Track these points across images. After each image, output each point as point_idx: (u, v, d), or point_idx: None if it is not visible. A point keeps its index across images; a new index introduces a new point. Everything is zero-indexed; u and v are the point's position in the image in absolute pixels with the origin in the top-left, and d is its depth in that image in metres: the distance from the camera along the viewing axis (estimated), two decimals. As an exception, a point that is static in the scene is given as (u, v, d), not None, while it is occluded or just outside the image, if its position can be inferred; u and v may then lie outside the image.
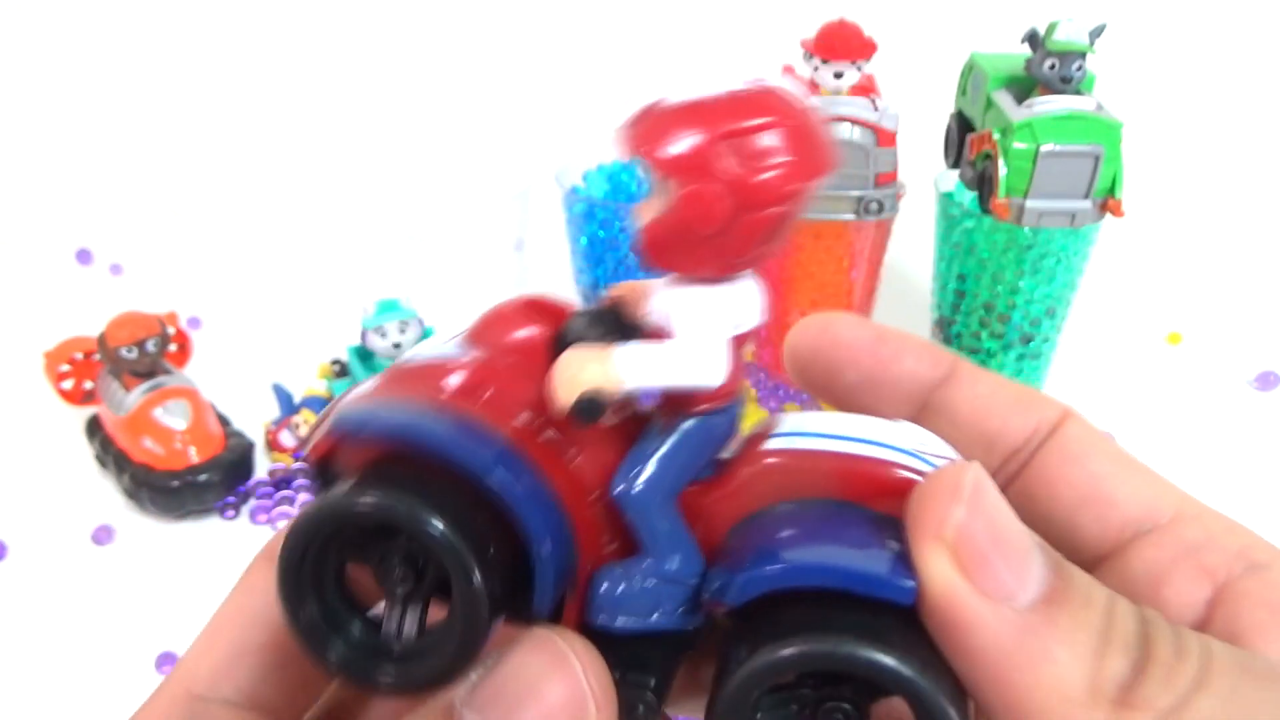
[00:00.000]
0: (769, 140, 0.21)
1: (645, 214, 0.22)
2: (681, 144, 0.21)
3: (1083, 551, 0.26)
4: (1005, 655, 0.19)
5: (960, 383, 0.28)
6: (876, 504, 0.23)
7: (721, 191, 0.21)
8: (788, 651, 0.20)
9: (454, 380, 0.24)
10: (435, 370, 0.24)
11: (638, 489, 0.23)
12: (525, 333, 0.25)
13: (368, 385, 0.24)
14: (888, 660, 0.20)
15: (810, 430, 0.24)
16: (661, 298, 0.23)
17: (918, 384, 0.28)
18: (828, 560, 0.21)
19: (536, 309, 0.26)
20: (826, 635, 0.20)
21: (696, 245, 0.22)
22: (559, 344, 0.24)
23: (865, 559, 0.21)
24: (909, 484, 0.22)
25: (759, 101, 0.21)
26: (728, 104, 0.21)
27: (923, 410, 0.29)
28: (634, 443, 0.23)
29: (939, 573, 0.20)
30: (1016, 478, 0.28)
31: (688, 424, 0.23)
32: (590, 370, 0.22)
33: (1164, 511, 0.25)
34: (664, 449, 0.23)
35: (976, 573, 0.20)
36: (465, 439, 0.22)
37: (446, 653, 0.21)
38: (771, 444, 0.24)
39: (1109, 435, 0.28)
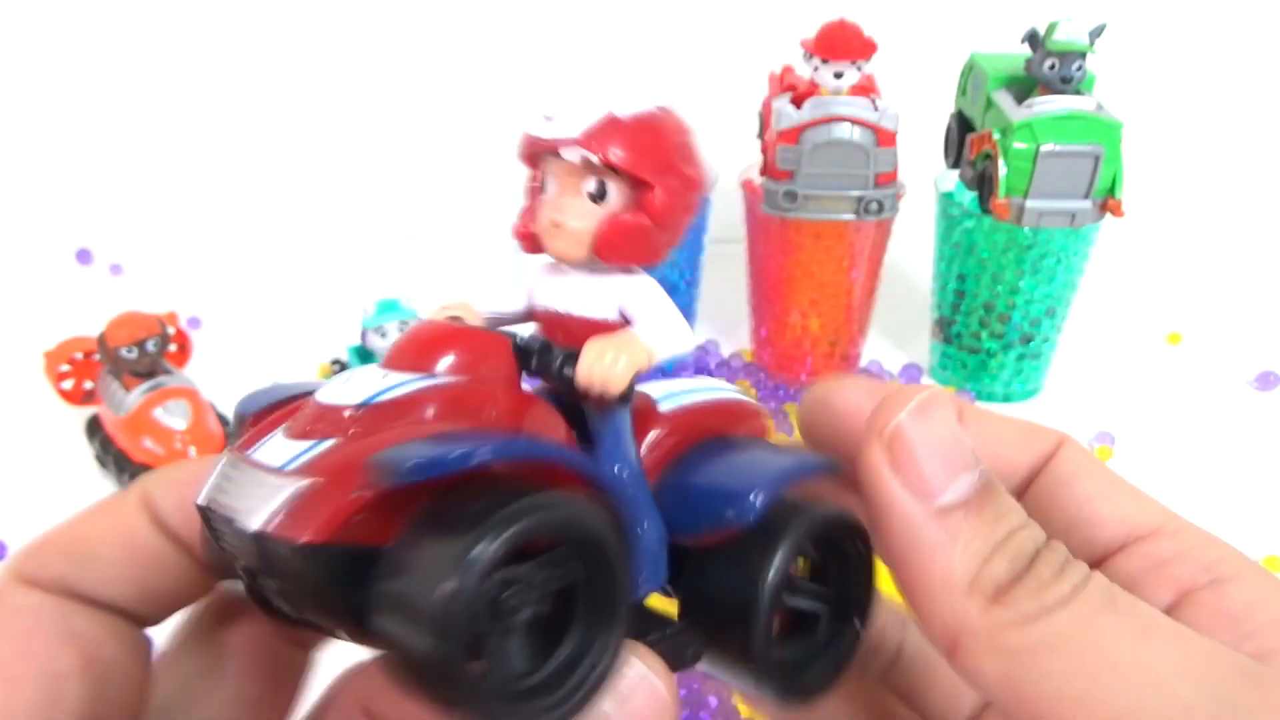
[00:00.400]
0: (693, 147, 0.26)
1: (598, 214, 0.25)
2: (656, 152, 0.25)
3: None
4: (910, 541, 0.23)
5: (966, 426, 0.29)
6: (741, 428, 0.29)
7: (681, 188, 0.26)
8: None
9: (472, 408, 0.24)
10: (425, 400, 0.23)
11: (628, 471, 0.26)
12: (463, 354, 0.25)
13: (315, 453, 0.22)
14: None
15: (674, 391, 0.28)
16: (604, 290, 0.26)
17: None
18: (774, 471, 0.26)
19: (444, 337, 0.25)
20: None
21: (652, 237, 0.26)
22: (524, 357, 0.25)
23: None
24: (754, 410, 0.30)
25: (678, 117, 0.26)
26: (664, 119, 0.26)
27: None
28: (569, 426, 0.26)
29: (870, 462, 0.24)
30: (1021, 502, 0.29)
31: (622, 410, 0.26)
32: (628, 355, 0.24)
33: (1145, 527, 0.26)
34: (624, 432, 0.26)
35: (902, 467, 0.23)
36: (571, 453, 0.24)
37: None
38: (661, 408, 0.28)
39: (1098, 460, 0.29)
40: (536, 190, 0.28)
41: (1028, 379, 0.82)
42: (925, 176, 0.82)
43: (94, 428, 0.75)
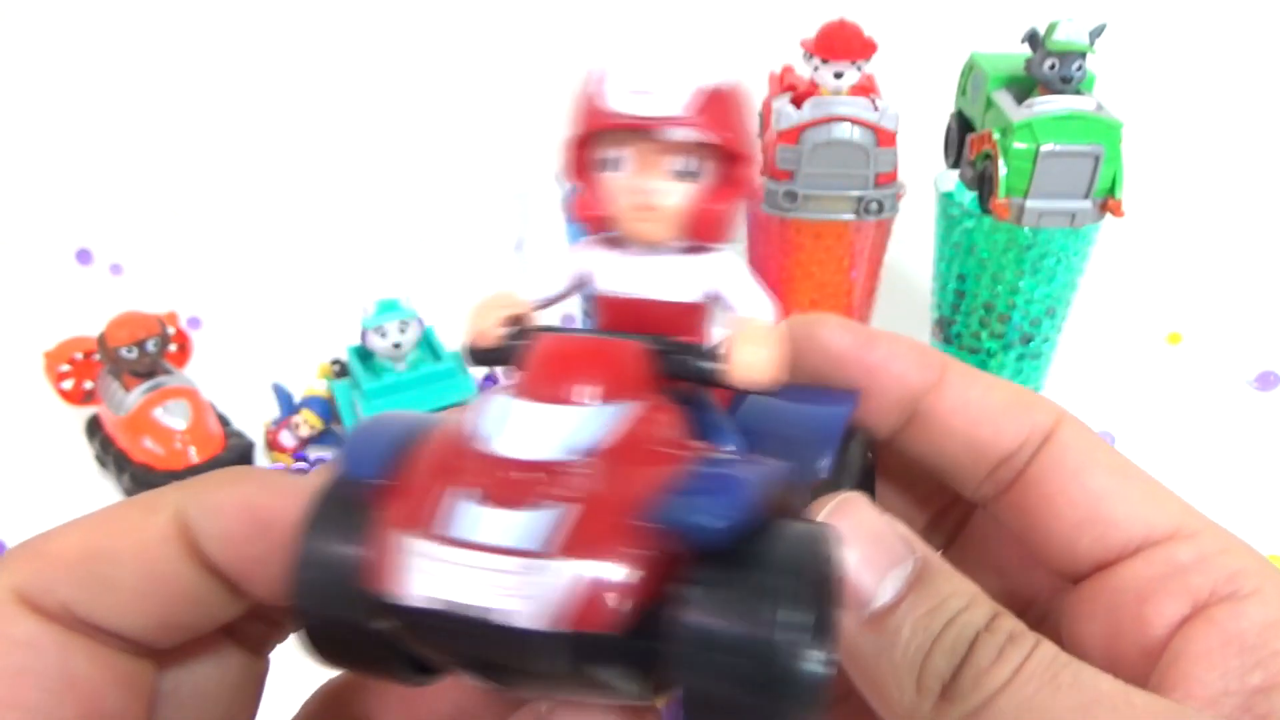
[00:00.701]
0: (752, 114, 0.25)
1: (691, 193, 0.24)
2: (744, 125, 0.24)
3: (1079, 564, 0.26)
4: (851, 653, 0.23)
5: (950, 388, 0.28)
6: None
7: (755, 159, 0.25)
8: None
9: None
10: (641, 436, 0.22)
11: (738, 445, 0.26)
12: (611, 370, 0.23)
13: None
14: None
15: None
16: (692, 271, 0.25)
17: (906, 390, 0.28)
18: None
19: (588, 355, 0.23)
20: None
21: (738, 211, 0.25)
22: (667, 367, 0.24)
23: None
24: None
25: (739, 79, 0.25)
26: (739, 85, 0.24)
27: (912, 418, 0.28)
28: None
29: None
30: (1010, 487, 0.27)
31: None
32: (777, 345, 0.24)
33: (1162, 529, 0.25)
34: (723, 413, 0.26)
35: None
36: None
37: None
38: None
39: (1105, 440, 0.28)
40: (591, 168, 0.25)
41: (1028, 379, 0.82)
42: (925, 176, 0.82)
43: (94, 428, 0.75)
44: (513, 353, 0.25)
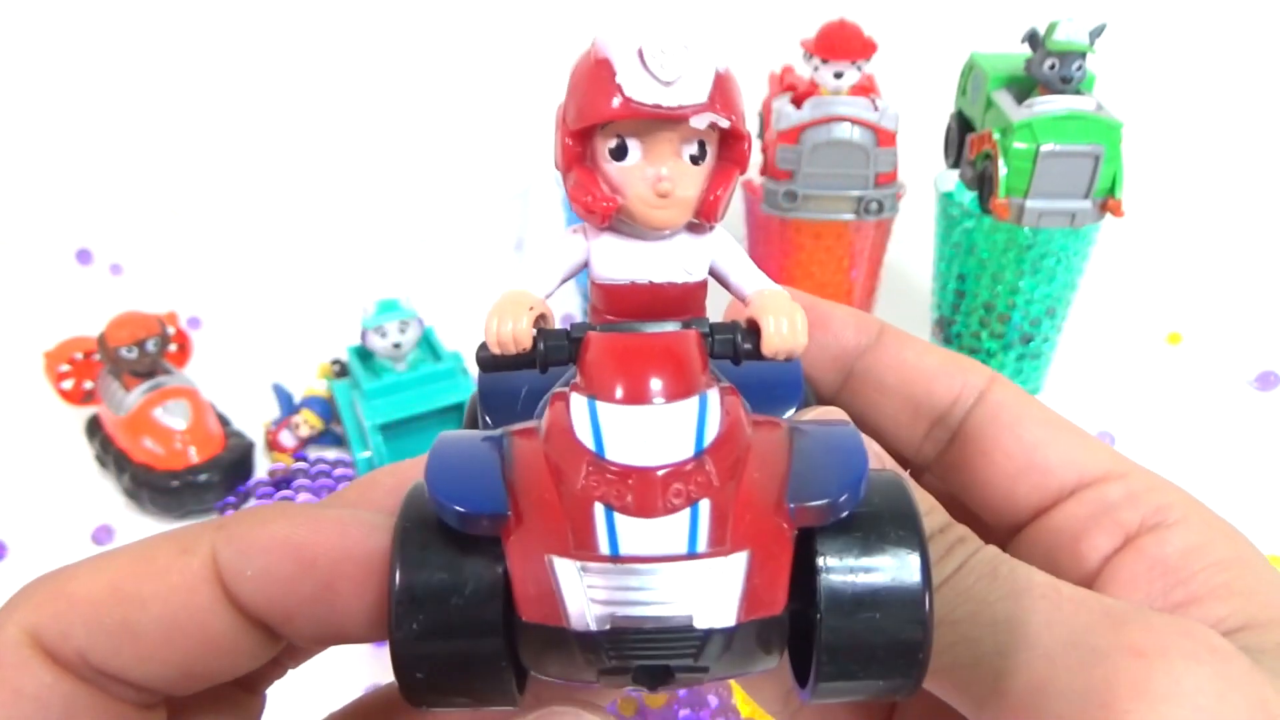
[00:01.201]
0: None
1: (702, 176, 0.24)
2: (743, 103, 0.25)
3: (1019, 513, 0.28)
4: None
5: (886, 349, 0.30)
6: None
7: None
8: None
9: None
10: (738, 425, 0.22)
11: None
12: (681, 360, 0.23)
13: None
14: None
15: None
16: (701, 251, 0.26)
17: (843, 350, 0.30)
18: None
19: (661, 350, 0.24)
20: None
21: (733, 192, 0.25)
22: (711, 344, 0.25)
23: None
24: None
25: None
26: (730, 68, 0.25)
27: (850, 377, 0.30)
28: None
29: None
30: (949, 446, 0.29)
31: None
32: (800, 314, 0.25)
33: (1094, 471, 0.27)
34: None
35: None
36: None
37: None
38: None
39: (1034, 398, 0.30)
40: (589, 158, 0.25)
41: (1028, 379, 0.82)
42: (925, 176, 0.82)
43: (94, 428, 0.75)
44: (553, 353, 0.24)
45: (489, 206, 0.99)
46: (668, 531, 0.20)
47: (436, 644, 0.20)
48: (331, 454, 0.77)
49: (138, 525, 0.70)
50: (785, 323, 0.24)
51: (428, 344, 0.76)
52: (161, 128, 1.04)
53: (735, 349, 0.24)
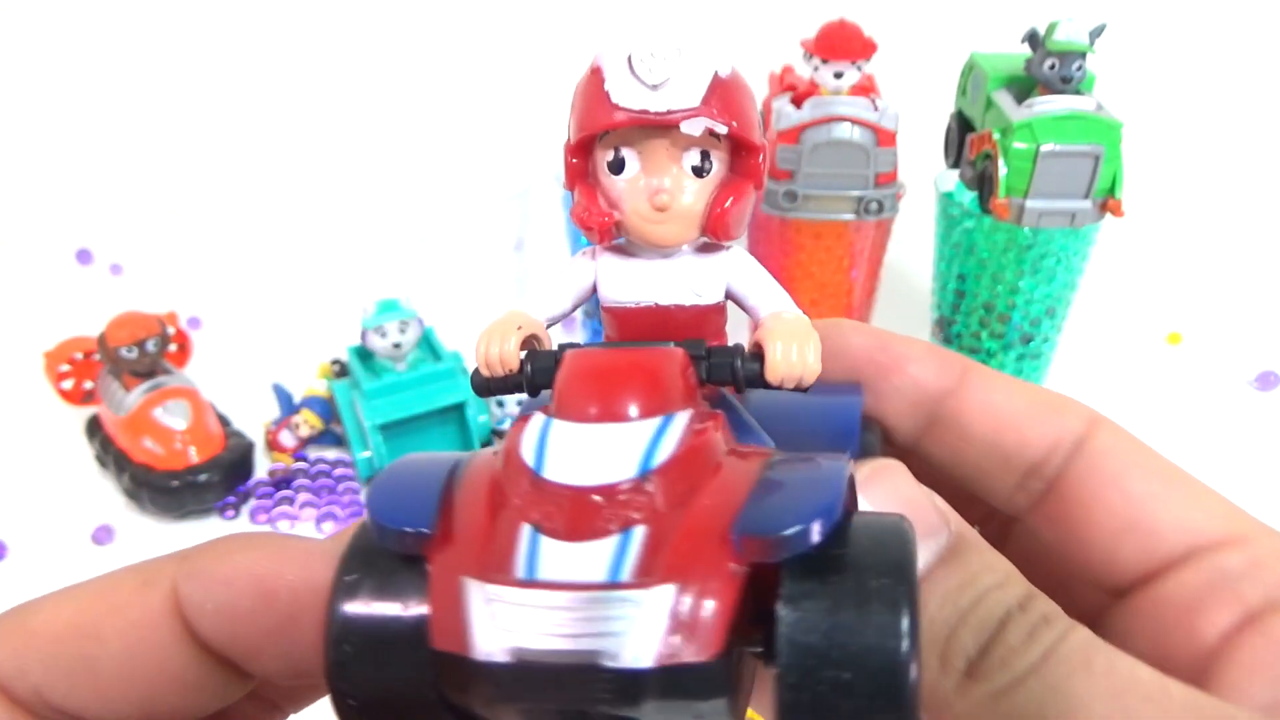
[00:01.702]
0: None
1: (707, 189, 0.23)
2: (752, 112, 0.23)
3: (1122, 576, 0.25)
4: None
5: (971, 390, 0.26)
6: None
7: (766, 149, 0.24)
8: None
9: None
10: (697, 449, 0.20)
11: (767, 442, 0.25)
12: (655, 381, 0.21)
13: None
14: None
15: None
16: (713, 271, 0.24)
17: (923, 393, 0.27)
18: None
19: (630, 368, 0.22)
20: None
21: (753, 204, 0.24)
22: (704, 368, 0.23)
23: None
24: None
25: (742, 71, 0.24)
26: (740, 72, 0.23)
27: (932, 424, 0.27)
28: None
29: None
30: (1044, 497, 0.26)
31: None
32: (814, 342, 0.23)
33: (1211, 534, 0.24)
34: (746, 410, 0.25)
35: None
36: None
37: None
38: None
39: (1143, 444, 0.26)
40: (591, 173, 0.24)
41: (1028, 379, 0.82)
42: (925, 176, 0.82)
43: (94, 428, 0.75)
44: (540, 375, 0.23)
45: (489, 206, 0.99)
46: (591, 558, 0.18)
47: (366, 671, 0.19)
48: (331, 454, 0.77)
49: (138, 525, 0.70)
50: (794, 349, 0.22)
51: (428, 344, 0.76)
52: (161, 128, 1.04)
53: (734, 373, 0.23)
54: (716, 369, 0.23)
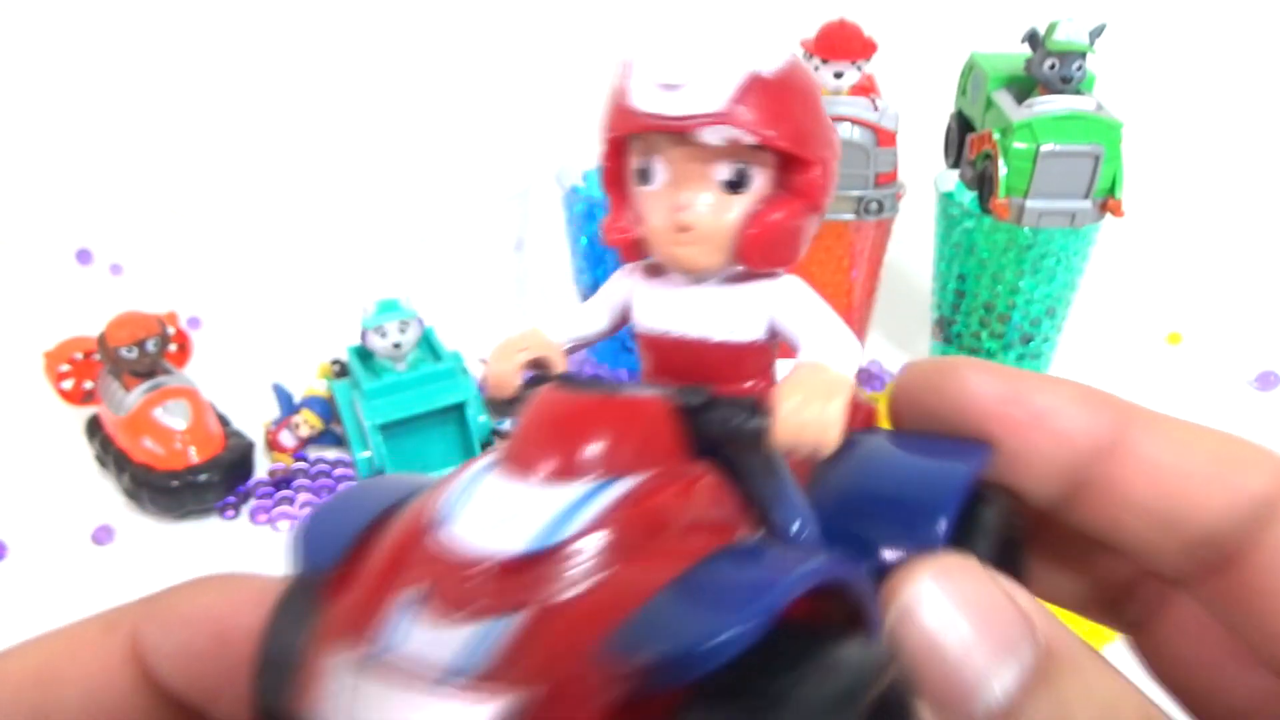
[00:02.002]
0: (821, 105, 0.21)
1: (741, 207, 0.20)
2: (806, 118, 0.20)
3: None
4: None
5: (1132, 449, 0.22)
6: (855, 421, 0.22)
7: (834, 160, 0.20)
8: None
9: (715, 513, 0.19)
10: (619, 528, 0.17)
11: (807, 526, 0.21)
12: (618, 434, 0.18)
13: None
14: None
15: None
16: (750, 302, 0.21)
17: (1071, 452, 0.22)
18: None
19: (588, 416, 0.19)
20: None
21: (807, 228, 0.20)
22: (682, 415, 0.19)
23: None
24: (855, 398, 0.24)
25: (804, 63, 0.21)
26: (802, 70, 0.21)
27: (1081, 488, 0.22)
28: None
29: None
30: (1220, 572, 0.21)
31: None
32: (837, 399, 0.19)
33: None
34: (791, 479, 0.20)
35: (924, 662, 0.16)
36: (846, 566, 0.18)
37: None
38: None
39: None
40: (625, 179, 0.21)
41: (1028, 379, 0.82)
42: (925, 176, 0.82)
43: (94, 428, 0.75)
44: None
45: (489, 206, 0.99)
46: (449, 644, 0.15)
47: (273, 716, 0.18)
48: (331, 454, 0.77)
49: (138, 525, 0.70)
50: (812, 408, 0.18)
51: (428, 344, 0.76)
52: (161, 128, 1.04)
53: (724, 431, 0.19)
54: (712, 424, 0.19)
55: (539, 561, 0.16)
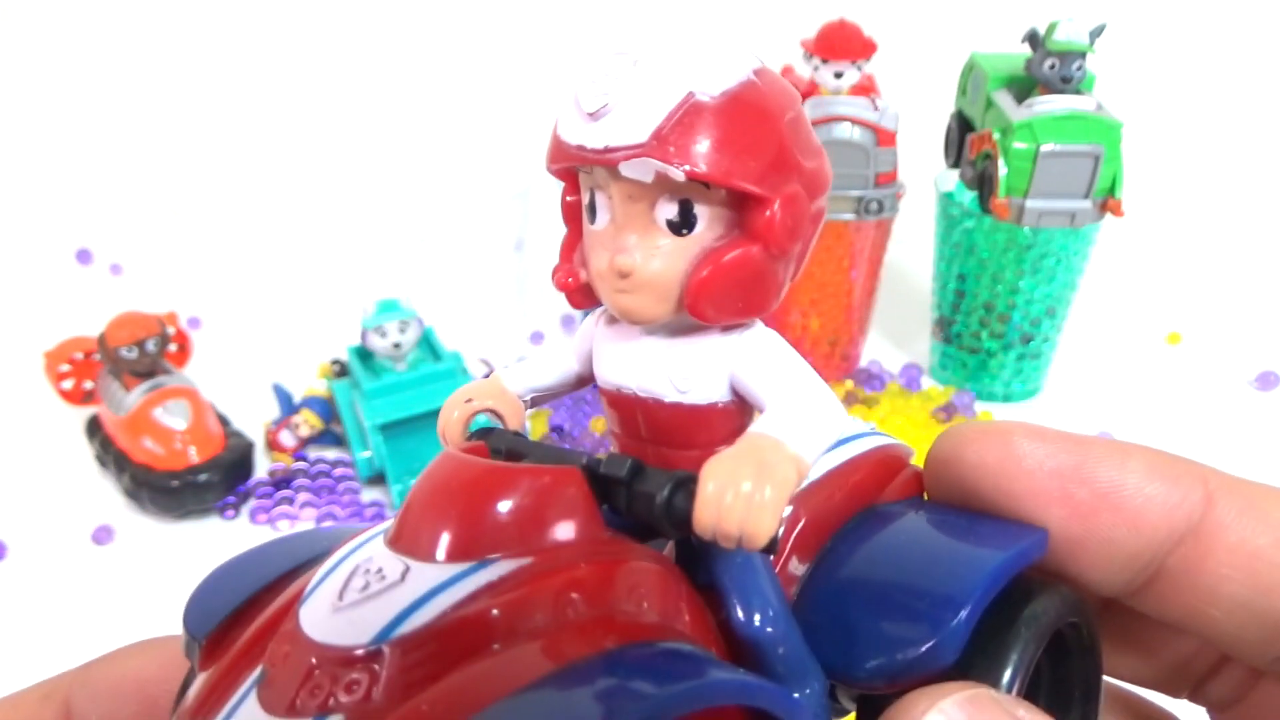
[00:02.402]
0: (806, 124, 0.18)
1: (686, 252, 0.17)
2: (755, 147, 0.16)
3: None
4: None
5: (1219, 533, 0.19)
6: (892, 488, 0.20)
7: (804, 192, 0.17)
8: None
9: (644, 609, 0.16)
10: (480, 620, 0.14)
11: (774, 618, 0.18)
12: (515, 505, 0.16)
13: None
14: None
15: None
16: (706, 358, 0.18)
17: (1146, 542, 0.19)
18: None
19: (477, 484, 0.16)
20: None
21: (767, 274, 0.17)
22: (601, 484, 0.17)
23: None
24: (903, 457, 0.21)
25: (777, 81, 0.17)
26: (763, 90, 0.17)
27: (1157, 577, 0.19)
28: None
29: None
30: None
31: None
32: (773, 483, 0.15)
33: None
34: (761, 568, 0.18)
35: None
36: (754, 684, 0.15)
37: None
38: None
39: None
40: (576, 215, 0.19)
41: (1028, 379, 0.82)
42: (925, 176, 0.82)
43: (94, 428, 0.75)
44: None
45: (489, 206, 0.99)
46: None
47: None
48: (331, 454, 0.77)
49: (138, 525, 0.70)
50: (737, 491, 0.15)
51: (428, 344, 0.76)
52: (161, 128, 1.04)
53: (657, 512, 0.16)
54: (635, 501, 0.17)
55: (370, 659, 0.14)
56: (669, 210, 0.17)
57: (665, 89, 0.16)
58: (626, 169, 0.16)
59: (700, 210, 0.17)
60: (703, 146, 0.16)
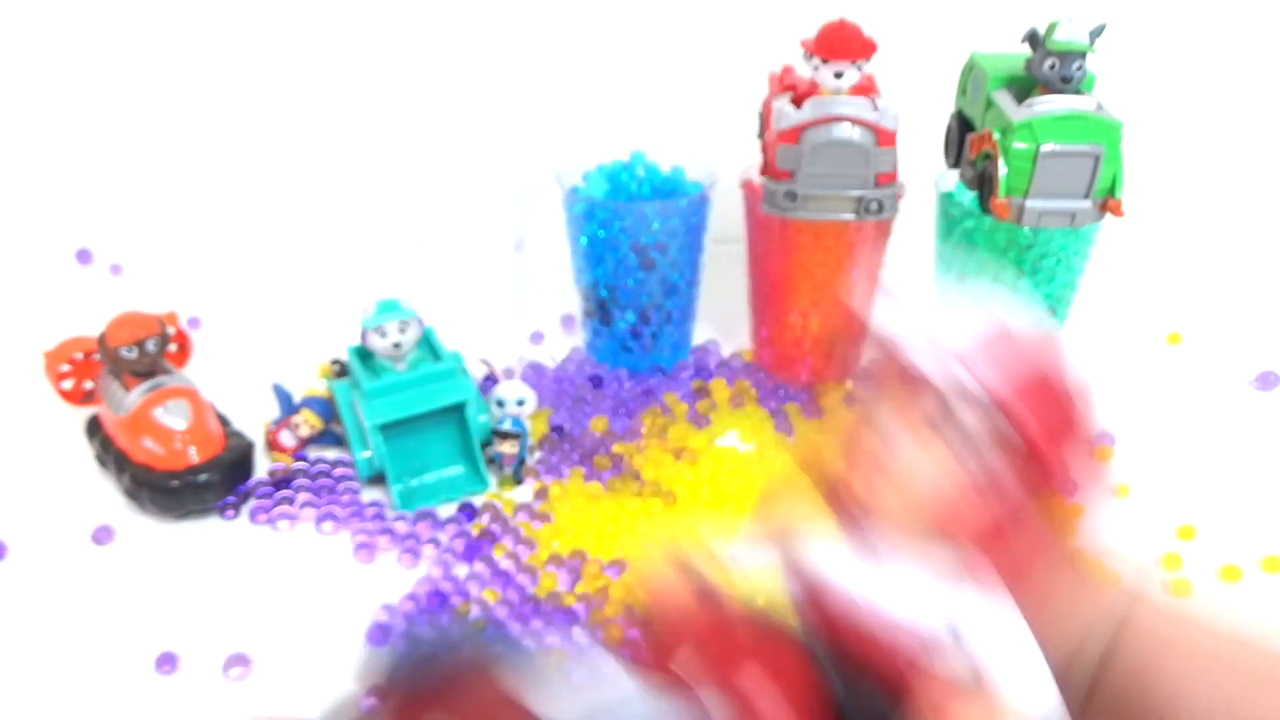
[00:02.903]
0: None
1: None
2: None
3: None
4: None
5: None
6: None
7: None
8: None
9: None
10: None
11: None
12: None
13: None
14: None
15: None
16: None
17: None
18: None
19: None
20: None
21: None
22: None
23: None
24: None
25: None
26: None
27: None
28: None
29: None
30: None
31: None
32: None
33: None
34: None
35: None
36: None
37: None
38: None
39: None
40: None
41: (1028, 379, 0.82)
42: (925, 176, 0.82)
43: (94, 428, 0.75)
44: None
45: (489, 206, 0.99)
46: None
47: None
48: (331, 454, 0.77)
49: (138, 525, 0.70)
50: None
51: (428, 344, 0.76)
52: (161, 127, 1.04)
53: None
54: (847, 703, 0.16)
55: None
56: None
57: None
58: None
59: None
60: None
